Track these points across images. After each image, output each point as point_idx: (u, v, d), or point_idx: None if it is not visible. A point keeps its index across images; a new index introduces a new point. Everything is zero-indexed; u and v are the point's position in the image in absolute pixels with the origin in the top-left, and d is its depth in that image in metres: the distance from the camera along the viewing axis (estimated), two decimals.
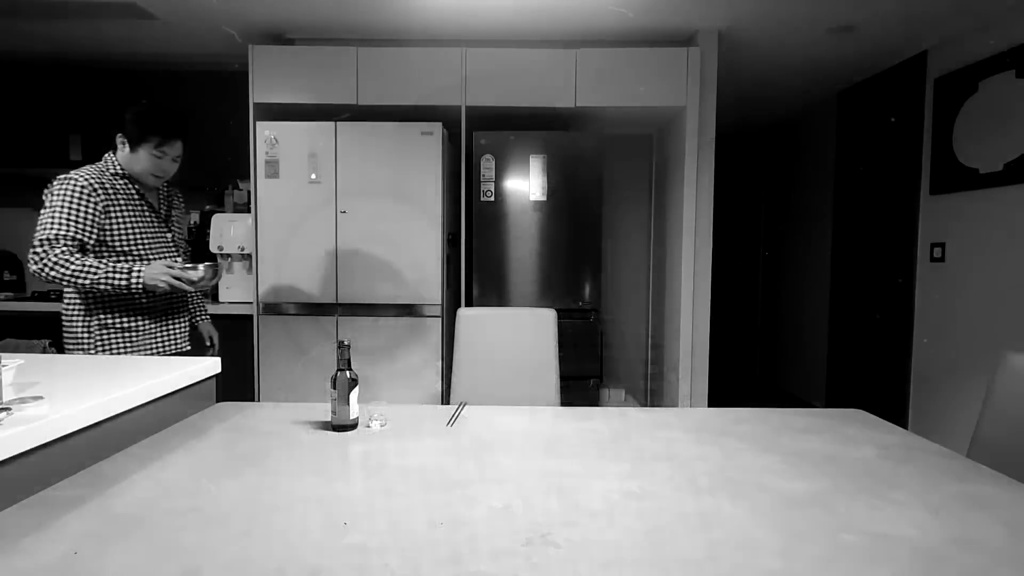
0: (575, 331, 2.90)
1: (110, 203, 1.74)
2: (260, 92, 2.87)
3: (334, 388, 1.32)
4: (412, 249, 2.83)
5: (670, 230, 3.21)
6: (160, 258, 1.84)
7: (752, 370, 5.51)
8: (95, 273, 1.64)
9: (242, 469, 1.10)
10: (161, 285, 1.67)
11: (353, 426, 1.34)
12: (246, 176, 3.01)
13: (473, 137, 2.87)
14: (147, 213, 1.83)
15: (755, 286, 5.53)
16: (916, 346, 3.26)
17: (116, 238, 1.74)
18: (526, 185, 2.88)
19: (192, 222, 3.37)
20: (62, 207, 1.66)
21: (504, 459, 1.17)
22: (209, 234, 3.06)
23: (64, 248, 1.64)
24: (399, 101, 2.88)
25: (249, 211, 2.99)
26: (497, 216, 2.89)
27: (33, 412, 1.04)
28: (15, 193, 3.54)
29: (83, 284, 1.65)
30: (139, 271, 1.67)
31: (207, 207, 3.35)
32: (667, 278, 3.27)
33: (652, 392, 3.61)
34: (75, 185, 1.68)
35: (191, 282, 1.72)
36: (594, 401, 3.01)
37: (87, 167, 1.78)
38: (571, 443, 1.28)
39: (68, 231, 1.65)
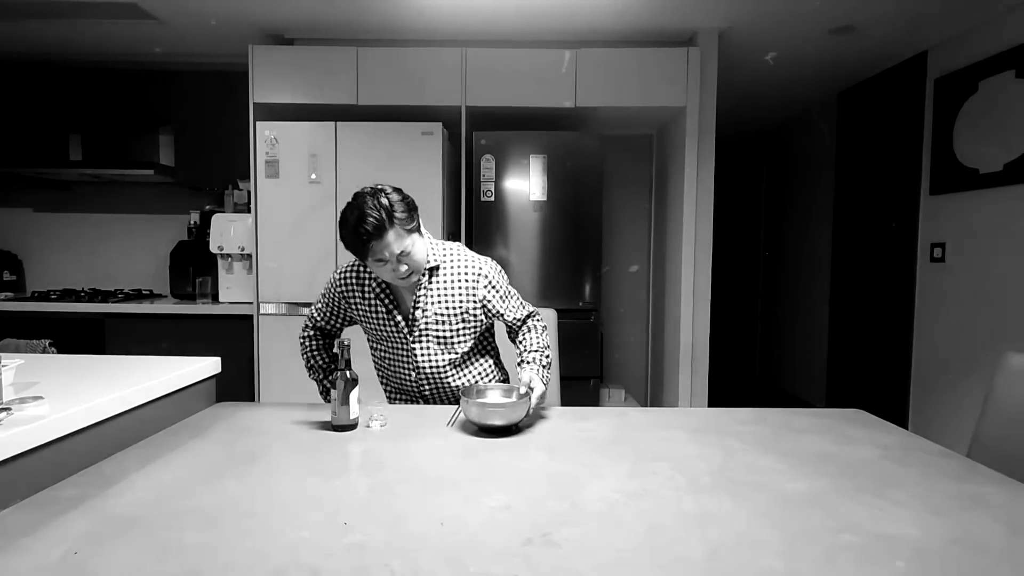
0: (575, 331, 2.90)
1: (350, 296, 1.58)
2: (260, 92, 2.87)
3: (334, 388, 1.31)
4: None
5: (670, 230, 3.21)
6: (395, 365, 1.60)
7: (752, 370, 5.51)
8: (313, 375, 1.67)
9: (242, 469, 1.09)
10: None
11: (353, 426, 1.34)
12: (246, 176, 3.01)
13: (473, 137, 2.87)
14: (381, 315, 1.56)
15: (755, 286, 5.53)
16: (916, 346, 3.26)
17: (367, 334, 1.64)
18: (526, 185, 2.87)
19: (192, 222, 3.37)
20: (322, 293, 1.65)
21: (504, 459, 1.17)
22: (209, 234, 3.06)
23: (309, 332, 1.67)
24: (399, 101, 2.87)
25: (249, 211, 2.99)
26: (497, 216, 2.89)
27: (33, 412, 1.04)
28: (15, 193, 3.54)
29: (304, 358, 1.68)
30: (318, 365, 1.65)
31: (207, 207, 3.35)
32: (667, 278, 3.26)
33: (652, 392, 3.61)
34: (333, 274, 1.63)
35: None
36: (594, 401, 3.01)
37: None
38: (571, 443, 1.27)
39: (314, 316, 1.66)
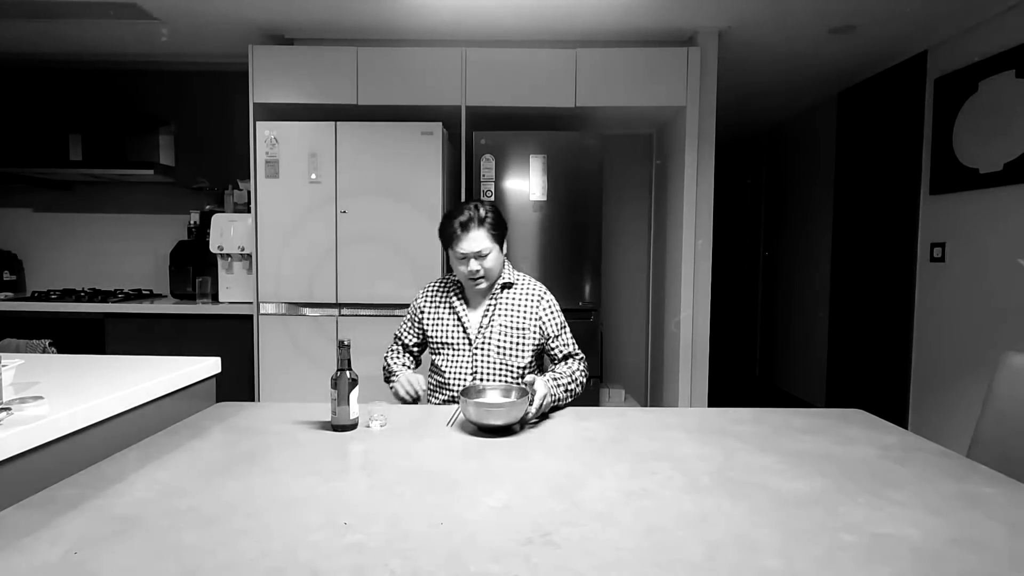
0: (575, 331, 2.89)
1: (428, 303, 1.77)
2: (260, 92, 2.87)
3: (334, 388, 1.32)
4: (412, 249, 2.83)
5: (670, 230, 3.21)
6: (453, 370, 1.69)
7: (752, 370, 5.51)
8: (385, 370, 1.79)
9: (242, 469, 1.10)
10: (400, 392, 1.65)
11: (353, 426, 1.34)
12: (246, 176, 3.01)
13: (473, 137, 2.86)
14: (452, 319, 1.72)
15: (755, 286, 5.53)
16: (916, 346, 3.26)
17: (432, 344, 1.76)
18: (526, 185, 2.87)
19: (192, 222, 3.37)
20: (408, 311, 1.83)
21: (504, 459, 1.17)
22: (209, 234, 3.06)
23: (393, 346, 1.85)
24: (399, 101, 2.87)
25: (249, 211, 2.99)
26: None
27: (33, 412, 1.04)
28: (15, 193, 3.54)
29: (384, 371, 1.80)
30: (397, 376, 1.68)
31: (207, 207, 3.35)
32: (667, 278, 3.26)
33: (652, 392, 3.61)
34: (416, 294, 1.83)
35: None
36: (594, 401, 3.01)
37: (446, 274, 1.83)
38: (571, 443, 1.27)
39: (398, 331, 1.85)
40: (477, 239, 1.62)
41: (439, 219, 2.81)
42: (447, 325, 1.72)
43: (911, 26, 2.88)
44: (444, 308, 1.75)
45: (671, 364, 3.17)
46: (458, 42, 3.05)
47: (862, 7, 2.66)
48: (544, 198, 2.87)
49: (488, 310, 1.70)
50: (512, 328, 1.68)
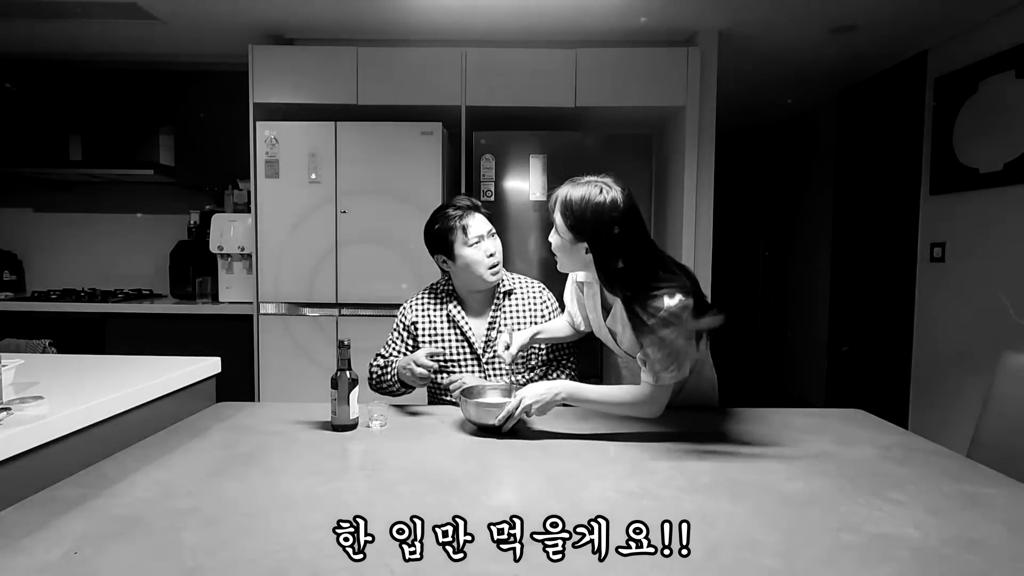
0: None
1: (423, 323, 1.63)
2: (260, 92, 2.87)
3: (334, 388, 1.32)
4: (412, 249, 2.83)
5: (670, 230, 3.21)
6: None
7: (752, 370, 5.51)
8: (375, 376, 1.62)
9: (242, 469, 1.10)
10: (403, 373, 1.49)
11: (353, 426, 1.34)
12: (246, 176, 3.01)
13: (473, 137, 2.86)
14: (456, 337, 1.61)
15: (755, 286, 5.53)
16: (916, 346, 3.26)
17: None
18: (526, 185, 2.87)
19: (192, 222, 3.37)
20: (392, 330, 1.68)
21: (504, 459, 1.17)
22: (209, 234, 3.06)
23: (377, 363, 1.64)
24: (399, 101, 2.87)
25: (249, 211, 2.98)
26: (497, 216, 2.88)
27: (33, 412, 1.04)
28: (15, 193, 3.54)
29: (374, 381, 1.62)
30: (397, 363, 1.54)
31: (207, 207, 3.35)
32: None
33: None
34: (402, 307, 1.69)
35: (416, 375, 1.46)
36: None
37: (430, 285, 1.71)
38: (571, 443, 1.27)
39: (384, 352, 1.66)
40: (483, 221, 1.58)
41: None
42: (449, 340, 1.61)
43: (911, 26, 2.88)
44: (442, 321, 1.62)
45: None
46: (458, 42, 3.05)
47: (862, 7, 2.66)
48: (544, 198, 2.87)
49: (494, 321, 1.60)
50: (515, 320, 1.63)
